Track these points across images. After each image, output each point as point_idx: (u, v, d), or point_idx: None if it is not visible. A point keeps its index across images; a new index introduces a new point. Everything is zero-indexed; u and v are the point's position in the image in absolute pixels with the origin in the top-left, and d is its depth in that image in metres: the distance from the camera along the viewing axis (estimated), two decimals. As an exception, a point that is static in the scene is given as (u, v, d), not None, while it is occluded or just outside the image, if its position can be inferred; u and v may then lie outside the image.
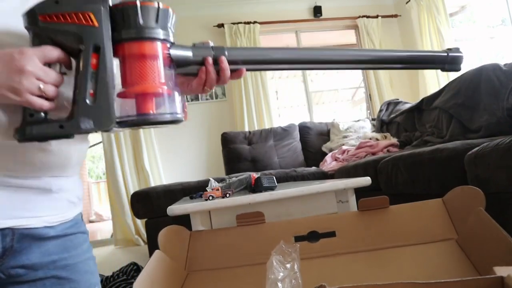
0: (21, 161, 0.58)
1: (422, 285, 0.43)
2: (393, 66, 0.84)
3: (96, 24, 0.53)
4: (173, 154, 3.57)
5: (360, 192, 1.01)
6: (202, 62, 0.63)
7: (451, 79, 2.23)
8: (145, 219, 2.15)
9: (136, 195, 2.15)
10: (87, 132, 0.53)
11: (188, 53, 0.62)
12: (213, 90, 3.59)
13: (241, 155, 2.99)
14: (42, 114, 0.52)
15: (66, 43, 0.53)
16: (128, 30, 0.55)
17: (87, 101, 0.52)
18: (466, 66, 3.19)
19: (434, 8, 3.45)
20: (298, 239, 0.79)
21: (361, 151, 2.46)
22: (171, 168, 3.57)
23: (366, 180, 1.00)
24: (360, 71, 4.09)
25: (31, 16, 0.52)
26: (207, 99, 3.67)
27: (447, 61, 0.83)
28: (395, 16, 4.05)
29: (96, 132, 0.54)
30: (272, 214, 0.89)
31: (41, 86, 0.50)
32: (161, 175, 3.50)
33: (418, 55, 0.84)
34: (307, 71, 4.16)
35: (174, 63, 0.60)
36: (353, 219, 0.81)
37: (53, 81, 0.52)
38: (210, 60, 0.63)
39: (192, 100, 3.66)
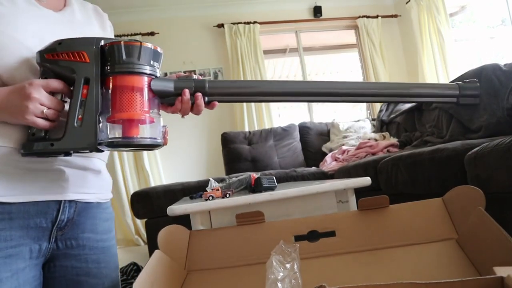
0: None
1: (422, 285, 0.43)
2: (403, 99, 0.83)
3: (88, 60, 0.62)
4: (173, 154, 3.57)
5: (360, 192, 1.01)
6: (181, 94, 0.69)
7: (451, 80, 2.23)
8: (145, 219, 2.15)
9: (136, 195, 2.15)
10: (72, 150, 0.62)
11: (170, 85, 0.68)
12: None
13: (241, 155, 2.99)
14: (42, 133, 0.62)
15: (64, 75, 0.63)
16: (114, 65, 0.63)
17: (75, 124, 0.61)
18: (466, 66, 3.19)
19: (434, 8, 3.45)
20: (298, 238, 0.79)
21: (361, 151, 2.46)
22: (171, 168, 3.57)
23: (366, 180, 1.00)
24: (360, 71, 4.10)
25: (40, 54, 0.63)
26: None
27: (459, 94, 0.80)
28: (395, 16, 4.05)
29: (81, 150, 0.63)
30: (272, 214, 0.89)
31: (44, 110, 0.60)
32: (161, 175, 3.50)
33: (427, 90, 0.81)
34: (307, 72, 4.16)
35: (156, 94, 0.66)
36: (353, 218, 0.81)
37: (54, 106, 0.61)
38: (187, 92, 0.69)
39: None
